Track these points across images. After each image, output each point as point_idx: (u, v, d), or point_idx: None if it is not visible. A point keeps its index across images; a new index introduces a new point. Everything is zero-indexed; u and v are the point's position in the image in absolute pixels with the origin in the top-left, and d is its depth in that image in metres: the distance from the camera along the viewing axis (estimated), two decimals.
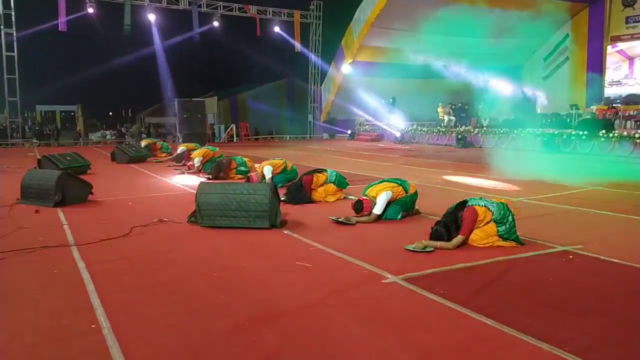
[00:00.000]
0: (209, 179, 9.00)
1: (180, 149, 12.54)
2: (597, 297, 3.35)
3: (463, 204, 4.58)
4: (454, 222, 4.48)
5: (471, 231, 4.46)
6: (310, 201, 6.77)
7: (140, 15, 21.27)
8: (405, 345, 2.63)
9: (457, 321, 2.93)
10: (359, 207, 5.54)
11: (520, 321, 2.89)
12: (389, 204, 5.63)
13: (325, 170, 7.10)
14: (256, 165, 8.86)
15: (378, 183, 5.81)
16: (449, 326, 2.86)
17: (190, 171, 10.55)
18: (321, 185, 6.94)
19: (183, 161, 11.63)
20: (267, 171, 8.05)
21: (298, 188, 6.81)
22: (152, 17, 21.34)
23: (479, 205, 4.53)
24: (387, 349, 2.60)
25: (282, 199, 6.23)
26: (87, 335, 2.76)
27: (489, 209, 4.51)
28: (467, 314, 3.01)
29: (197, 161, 10.42)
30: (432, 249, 4.36)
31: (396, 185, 5.73)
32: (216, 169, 9.21)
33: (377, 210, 5.53)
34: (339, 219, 5.50)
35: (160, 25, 22.07)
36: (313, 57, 25.74)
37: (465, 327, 2.86)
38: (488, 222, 4.49)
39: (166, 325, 2.90)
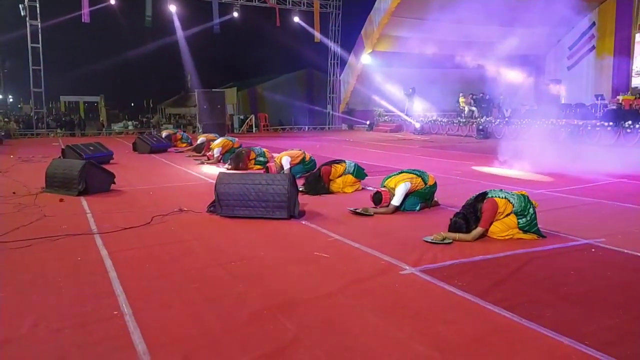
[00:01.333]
0: (228, 169, 9.07)
1: (200, 139, 12.67)
2: (620, 291, 3.28)
3: (483, 196, 4.53)
4: (473, 213, 4.44)
5: (491, 223, 4.41)
6: (329, 192, 6.78)
7: (161, 7, 21.43)
8: (423, 337, 2.62)
9: (475, 313, 2.91)
10: (378, 198, 5.53)
11: (540, 314, 2.85)
12: (407, 195, 5.60)
13: (344, 161, 7.09)
14: (275, 155, 8.89)
15: (397, 174, 5.78)
16: (466, 318, 2.85)
17: (209, 161, 10.65)
18: (339, 176, 6.94)
19: (203, 151, 11.75)
20: (286, 162, 8.08)
21: (316, 179, 6.81)
22: (173, 8, 21.47)
23: (499, 197, 4.47)
24: (405, 340, 2.60)
25: (300, 189, 6.25)
26: (109, 321, 2.82)
27: (509, 200, 4.44)
28: (486, 307, 2.98)
29: (216, 151, 10.52)
30: (451, 241, 4.33)
31: (415, 176, 5.69)
32: (235, 159, 9.28)
33: (396, 201, 5.51)
34: (357, 210, 5.50)
35: (181, 16, 22.19)
36: (332, 47, 25.60)
37: (484, 319, 2.84)
38: (508, 215, 4.43)
39: (186, 312, 2.95)
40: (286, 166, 8.04)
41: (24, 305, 3.06)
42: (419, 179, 5.68)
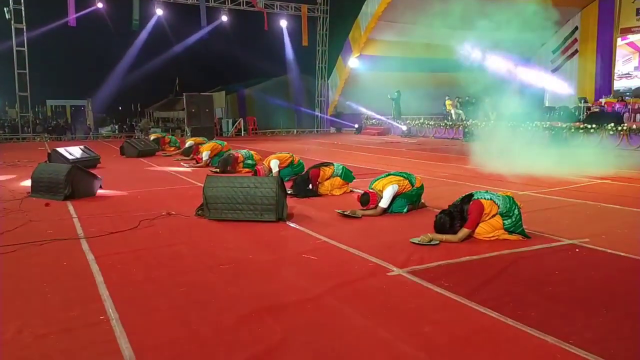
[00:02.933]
0: (216, 172, 9.05)
1: (188, 143, 12.62)
2: (603, 290, 3.34)
3: (469, 197, 4.58)
4: (459, 213, 4.49)
5: (477, 225, 4.46)
6: (317, 194, 6.80)
7: (148, 10, 21.32)
8: (410, 338, 2.65)
9: (462, 314, 2.95)
10: (366, 199, 5.56)
11: (525, 314, 2.89)
12: (395, 197, 5.64)
13: (332, 164, 7.13)
14: (264, 158, 8.90)
15: (384, 176, 5.82)
16: (453, 319, 2.88)
17: (198, 165, 10.61)
18: (327, 178, 6.96)
19: (191, 155, 11.70)
20: (274, 165, 8.09)
21: (305, 181, 6.84)
22: (159, 12, 21.37)
23: (484, 198, 4.53)
24: (392, 340, 2.62)
25: (288, 192, 6.26)
26: (95, 326, 2.80)
27: (494, 202, 4.50)
28: (472, 307, 3.02)
29: (205, 155, 10.49)
30: (438, 242, 4.38)
31: (402, 178, 5.74)
32: (223, 163, 9.26)
33: (383, 203, 5.55)
34: (345, 212, 5.52)
35: (168, 19, 22.10)
36: (320, 51, 25.68)
37: (470, 319, 2.87)
38: (494, 216, 4.49)
39: (173, 316, 2.94)
40: (275, 169, 8.05)
41: (8, 311, 3.03)
42: (406, 181, 5.73)
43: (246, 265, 3.88)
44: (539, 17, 17.86)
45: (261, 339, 2.63)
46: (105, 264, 3.90)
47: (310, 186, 6.81)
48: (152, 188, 7.80)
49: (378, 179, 5.81)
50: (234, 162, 9.33)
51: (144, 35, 22.26)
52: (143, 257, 4.12)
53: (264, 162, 8.38)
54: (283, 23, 24.13)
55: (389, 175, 5.85)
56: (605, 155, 11.51)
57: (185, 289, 3.37)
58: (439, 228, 4.49)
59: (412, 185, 5.75)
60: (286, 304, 3.10)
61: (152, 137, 15.23)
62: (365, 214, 5.55)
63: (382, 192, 5.59)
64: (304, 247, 4.34)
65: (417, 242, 4.38)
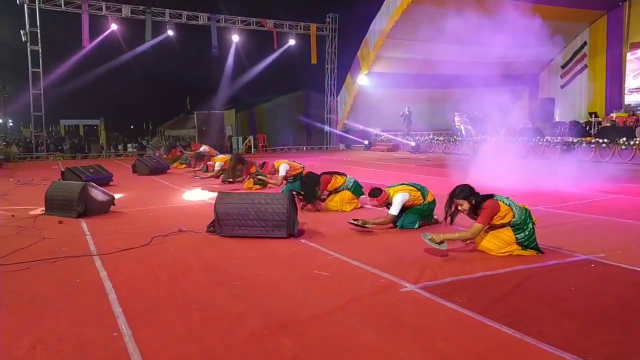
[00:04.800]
0: (224, 181, 9.24)
1: (203, 147, 12.86)
2: (620, 306, 3.28)
3: (489, 196, 4.56)
4: (476, 204, 4.50)
5: (489, 222, 4.43)
6: (320, 199, 6.82)
7: (161, 31, 21.74)
8: (424, 354, 2.61)
9: (476, 330, 2.91)
10: (375, 193, 5.60)
11: (541, 330, 2.85)
12: (405, 209, 5.63)
13: (345, 175, 7.14)
14: (275, 161, 8.94)
15: (397, 185, 5.83)
16: (468, 335, 2.84)
17: (208, 175, 10.78)
18: (337, 188, 6.99)
19: (203, 161, 11.97)
20: (283, 169, 8.11)
21: (314, 182, 6.87)
22: (171, 33, 21.78)
23: (503, 202, 4.49)
24: (406, 357, 2.59)
25: (295, 191, 6.49)
26: (109, 343, 2.81)
27: (511, 209, 4.46)
28: (487, 323, 2.98)
29: (217, 165, 10.70)
30: (446, 246, 4.41)
31: (414, 189, 5.73)
32: (237, 160, 9.40)
33: (393, 211, 5.55)
34: (356, 222, 5.53)
35: (179, 39, 22.50)
36: (329, 68, 25.93)
37: (485, 336, 2.83)
38: (505, 225, 4.45)
39: (185, 333, 2.93)
40: (282, 173, 8.06)
41: (22, 327, 3.04)
42: (418, 192, 5.72)
43: (257, 282, 3.88)
44: (546, 33, 17.95)
45: (274, 356, 2.61)
46: (118, 280, 3.91)
47: (319, 191, 6.83)
48: (163, 205, 7.85)
49: (391, 187, 5.82)
50: (247, 167, 9.43)
51: (156, 55, 22.66)
52: (155, 273, 4.14)
53: (274, 163, 8.41)
54: (292, 42, 24.43)
55: (402, 184, 5.85)
56: (618, 170, 11.40)
57: (197, 305, 3.37)
58: (460, 195, 4.52)
59: (424, 199, 5.72)
60: (298, 320, 3.08)
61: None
62: (375, 222, 5.56)
63: (392, 198, 5.58)
64: (316, 263, 4.32)
65: (427, 240, 4.41)
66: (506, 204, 4.49)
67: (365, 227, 5.51)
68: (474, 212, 4.56)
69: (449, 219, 4.75)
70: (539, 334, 2.80)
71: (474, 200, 4.53)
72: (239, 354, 2.66)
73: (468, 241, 4.79)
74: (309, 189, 6.80)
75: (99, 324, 3.08)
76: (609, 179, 9.53)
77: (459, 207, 4.63)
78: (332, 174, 7.06)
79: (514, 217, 4.45)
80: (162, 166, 13.40)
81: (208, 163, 11.45)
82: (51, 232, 5.76)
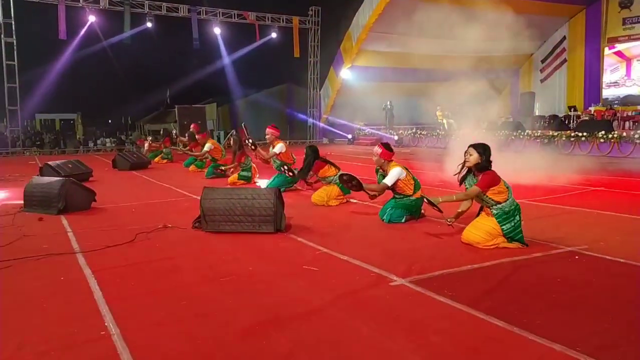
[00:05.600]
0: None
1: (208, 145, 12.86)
2: (606, 296, 3.35)
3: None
4: (483, 166, 4.59)
5: (486, 188, 4.50)
6: (307, 182, 7.18)
7: (139, 23, 21.35)
8: (417, 348, 2.62)
9: (468, 323, 2.93)
10: (389, 148, 5.83)
11: (531, 322, 2.88)
12: (393, 197, 5.70)
13: (338, 168, 7.16)
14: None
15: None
16: (460, 328, 2.86)
17: (192, 152, 10.85)
18: (327, 178, 7.01)
19: (190, 145, 12.02)
20: (279, 148, 8.22)
21: (308, 165, 7.09)
22: (150, 25, 21.40)
23: (504, 182, 4.56)
24: (399, 351, 2.59)
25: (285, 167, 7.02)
26: (96, 342, 2.75)
27: (508, 192, 4.56)
28: (477, 315, 3.00)
29: (207, 146, 10.72)
30: (439, 204, 4.73)
31: (411, 176, 5.78)
32: (239, 140, 9.49)
33: (387, 181, 5.71)
34: (347, 178, 5.84)
35: (159, 32, 22.15)
36: (312, 62, 25.83)
37: (476, 328, 2.85)
38: (497, 203, 4.51)
39: (175, 330, 2.89)
40: (275, 150, 8.14)
41: (7, 327, 2.96)
42: (412, 181, 5.77)
43: (247, 278, 3.84)
44: (527, 27, 18.15)
45: (268, 353, 2.59)
46: (103, 278, 3.84)
47: (310, 175, 7.09)
48: (147, 201, 7.73)
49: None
50: (241, 153, 9.43)
51: (135, 48, 22.28)
52: (141, 270, 4.07)
53: (273, 142, 8.41)
54: (274, 35, 24.26)
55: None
56: (598, 163, 11.64)
57: (187, 302, 3.32)
58: (477, 144, 4.62)
59: (414, 192, 5.74)
60: (290, 316, 3.06)
61: (146, 144, 15.48)
62: (368, 187, 5.81)
63: (390, 168, 5.72)
64: (304, 259, 4.31)
65: (426, 200, 4.77)
66: (505, 186, 4.56)
67: (359, 187, 5.79)
68: (476, 171, 4.62)
69: (461, 179, 4.81)
70: (528, 325, 2.84)
71: (483, 158, 4.58)
72: (231, 351, 2.63)
73: (454, 221, 4.91)
74: (303, 172, 7.02)
75: (86, 322, 3.01)
76: (589, 171, 9.71)
77: (467, 156, 4.66)
78: (327, 162, 7.10)
79: (507, 199, 4.52)
80: (143, 161, 13.20)
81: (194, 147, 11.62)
82: (31, 229, 5.62)
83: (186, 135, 13.69)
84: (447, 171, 10.22)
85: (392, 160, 5.87)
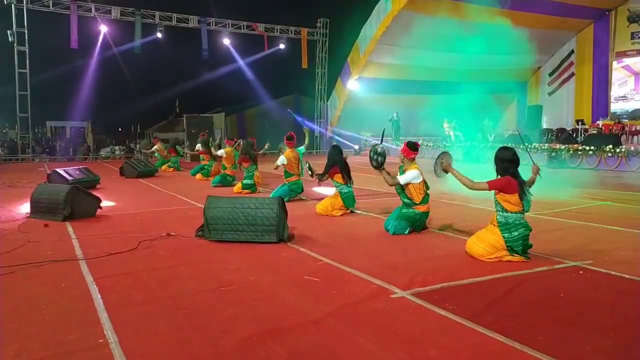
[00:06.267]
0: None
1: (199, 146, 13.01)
2: (610, 313, 3.30)
3: (518, 178, 4.54)
4: (504, 169, 4.52)
5: (494, 188, 4.47)
6: (320, 179, 7.14)
7: (150, 34, 21.60)
8: None
9: (468, 337, 2.90)
10: (414, 147, 5.82)
11: (532, 337, 2.85)
12: (403, 193, 5.67)
13: (349, 180, 7.10)
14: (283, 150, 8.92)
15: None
16: (460, 342, 2.83)
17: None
18: (334, 182, 7.07)
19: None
20: (280, 160, 8.16)
21: (327, 168, 7.08)
22: (160, 35, 21.64)
23: (525, 194, 4.49)
24: None
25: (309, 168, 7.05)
26: (94, 350, 2.75)
27: (522, 210, 4.48)
28: (478, 330, 2.97)
29: (221, 152, 10.80)
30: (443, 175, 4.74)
31: (423, 185, 5.74)
32: (247, 146, 9.61)
33: (401, 179, 5.68)
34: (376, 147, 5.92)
35: (169, 42, 22.39)
36: (319, 73, 25.96)
37: (476, 343, 2.82)
38: (505, 211, 4.46)
39: (174, 339, 2.88)
40: (279, 162, 8.13)
41: (6, 334, 2.97)
42: (423, 191, 5.74)
43: (247, 287, 3.83)
44: (535, 41, 18.15)
45: None
46: (105, 285, 3.85)
47: (324, 177, 7.09)
48: (151, 209, 7.76)
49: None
50: (246, 158, 9.48)
51: (145, 57, 22.52)
52: (143, 278, 4.08)
53: (282, 149, 8.43)
54: (282, 46, 24.43)
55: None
56: (605, 177, 11.53)
57: (186, 311, 3.32)
58: (504, 150, 4.60)
59: (421, 202, 5.70)
60: (289, 326, 3.05)
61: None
62: (385, 172, 5.79)
63: (410, 168, 5.71)
64: (306, 269, 4.29)
65: (436, 160, 4.80)
66: (525, 198, 4.48)
67: (381, 165, 5.79)
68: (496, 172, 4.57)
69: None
70: (530, 340, 2.80)
71: (497, 168, 4.55)
72: None
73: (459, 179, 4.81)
74: (324, 173, 7.07)
75: (85, 330, 3.01)
76: (595, 185, 9.62)
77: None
78: (343, 172, 7.04)
79: (515, 213, 4.45)
80: (150, 169, 13.28)
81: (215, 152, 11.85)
82: (37, 235, 5.66)
83: (198, 144, 13.75)
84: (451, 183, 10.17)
85: (413, 160, 5.81)
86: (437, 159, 5.01)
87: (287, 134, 8.75)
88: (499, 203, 4.54)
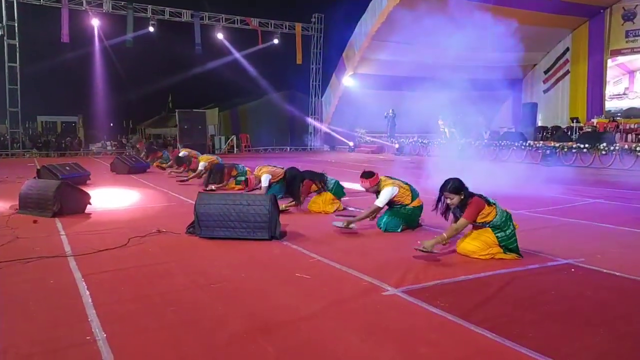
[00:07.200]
0: (206, 187, 9.08)
1: (183, 152, 12.62)
2: (600, 310, 3.30)
3: (475, 195, 4.55)
4: (465, 199, 4.48)
5: (475, 218, 4.43)
6: (297, 201, 6.94)
7: (142, 27, 21.43)
8: (406, 359, 2.57)
9: (459, 334, 2.88)
10: (369, 174, 5.60)
11: (523, 334, 2.83)
12: (390, 208, 5.60)
13: (325, 176, 7.06)
14: (256, 168, 8.78)
15: (390, 178, 5.78)
16: (450, 339, 2.81)
17: (190, 177, 10.58)
18: (316, 191, 6.96)
19: (184, 166, 11.71)
20: (265, 179, 7.98)
21: (298, 186, 6.91)
22: (152, 29, 21.48)
23: (488, 201, 4.49)
24: None
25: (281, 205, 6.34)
26: (81, 347, 2.71)
27: (495, 209, 4.47)
28: (469, 327, 2.95)
29: (201, 165, 10.46)
30: (432, 246, 4.40)
31: (406, 188, 5.68)
32: (217, 172, 9.30)
33: (379, 202, 5.56)
34: (340, 224, 5.52)
35: (161, 36, 22.23)
36: (314, 69, 25.88)
37: (467, 340, 2.81)
38: (487, 224, 4.45)
39: (163, 337, 2.85)
40: (265, 183, 7.95)
41: None
42: (409, 192, 5.68)
43: (238, 284, 3.80)
44: (530, 38, 18.16)
45: None
46: (93, 282, 3.80)
47: (298, 192, 6.91)
48: (142, 205, 7.70)
49: (385, 177, 5.81)
50: (227, 172, 9.35)
51: (137, 51, 22.36)
52: (132, 275, 4.03)
53: (255, 172, 8.29)
54: (276, 41, 24.33)
55: (396, 179, 5.80)
56: (598, 175, 11.58)
57: (175, 308, 3.28)
58: (450, 186, 4.51)
59: (412, 201, 5.67)
60: (279, 323, 3.02)
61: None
62: (359, 218, 5.60)
63: (382, 187, 5.57)
64: (297, 266, 4.26)
65: (422, 249, 4.36)
66: (492, 204, 4.50)
67: (350, 228, 5.49)
68: (460, 207, 4.54)
69: (444, 214, 4.72)
70: (520, 338, 2.79)
71: (463, 195, 4.52)
72: (218, 358, 2.58)
73: (448, 242, 4.77)
74: (290, 186, 6.91)
75: (73, 327, 2.97)
76: (589, 183, 9.66)
77: (448, 201, 4.59)
78: (314, 180, 6.98)
79: (495, 216, 4.45)
80: (142, 165, 13.19)
81: (189, 167, 11.30)
82: (25, 231, 5.59)
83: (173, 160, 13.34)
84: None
85: (379, 181, 5.67)
86: (422, 249, 4.51)
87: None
88: (480, 223, 4.49)
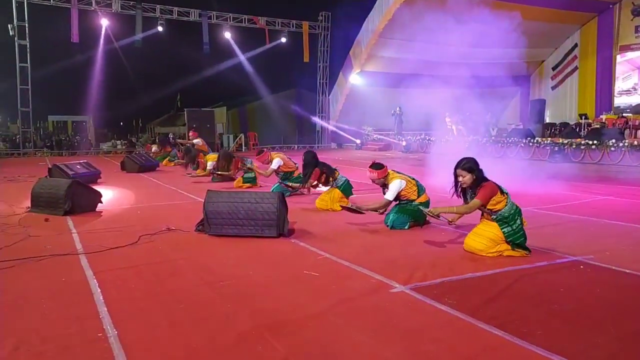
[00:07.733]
0: (214, 181, 9.28)
1: (197, 140, 12.86)
2: (610, 308, 3.28)
3: (487, 180, 4.54)
4: (478, 181, 4.49)
5: (487, 201, 4.41)
6: (299, 187, 7.38)
7: (150, 27, 21.55)
8: (414, 356, 2.59)
9: (466, 331, 2.89)
10: (378, 166, 5.65)
11: (531, 332, 2.84)
12: (397, 205, 5.60)
13: (335, 172, 7.13)
14: (271, 153, 8.78)
15: (396, 172, 5.81)
16: (457, 337, 2.82)
17: (200, 174, 10.66)
18: (323, 183, 7.05)
19: (195, 161, 11.79)
20: (275, 163, 8.06)
21: (308, 175, 7.14)
22: (161, 29, 21.58)
23: (502, 190, 4.48)
24: (393, 359, 2.56)
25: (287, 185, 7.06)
26: (93, 344, 2.75)
27: (506, 199, 4.46)
28: (476, 325, 2.96)
29: (209, 164, 10.54)
30: (438, 212, 4.52)
31: (412, 182, 5.70)
32: (225, 157, 9.43)
33: (389, 196, 5.59)
34: (350, 207, 5.56)
35: (170, 36, 22.34)
36: (321, 67, 25.88)
37: (475, 337, 2.81)
38: (496, 212, 4.43)
39: (173, 334, 2.88)
40: (273, 166, 8.03)
41: (5, 328, 2.97)
42: (415, 187, 5.71)
43: (246, 282, 3.83)
44: (538, 34, 18.02)
45: (262, 358, 2.57)
46: (104, 280, 3.85)
47: (307, 179, 7.13)
48: (152, 203, 7.77)
49: (393, 171, 5.84)
50: (235, 162, 9.46)
51: (146, 51, 22.49)
52: (142, 273, 4.08)
53: (270, 154, 8.39)
54: (284, 40, 24.35)
55: (402, 174, 5.82)
56: (607, 172, 11.49)
57: (185, 305, 3.32)
58: (465, 164, 4.51)
59: (418, 196, 5.68)
60: (287, 321, 3.05)
61: (153, 148, 15.48)
62: (369, 207, 5.62)
63: (390, 181, 5.61)
64: (305, 263, 4.29)
65: (425, 212, 4.56)
66: (504, 192, 4.48)
67: (360, 212, 5.53)
68: (472, 189, 4.53)
69: (460, 195, 4.71)
70: (528, 335, 2.79)
71: (476, 175, 4.50)
72: (227, 357, 2.61)
73: (457, 219, 4.84)
74: (308, 170, 7.15)
75: (84, 324, 3.01)
76: (598, 180, 9.58)
77: (460, 179, 4.56)
78: (324, 171, 7.08)
79: (505, 206, 4.43)
80: (152, 163, 13.29)
81: (200, 160, 11.38)
82: (37, 229, 5.67)
83: (183, 148, 13.43)
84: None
85: (388, 173, 5.72)
86: (430, 212, 4.68)
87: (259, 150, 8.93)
88: (490, 209, 4.47)
